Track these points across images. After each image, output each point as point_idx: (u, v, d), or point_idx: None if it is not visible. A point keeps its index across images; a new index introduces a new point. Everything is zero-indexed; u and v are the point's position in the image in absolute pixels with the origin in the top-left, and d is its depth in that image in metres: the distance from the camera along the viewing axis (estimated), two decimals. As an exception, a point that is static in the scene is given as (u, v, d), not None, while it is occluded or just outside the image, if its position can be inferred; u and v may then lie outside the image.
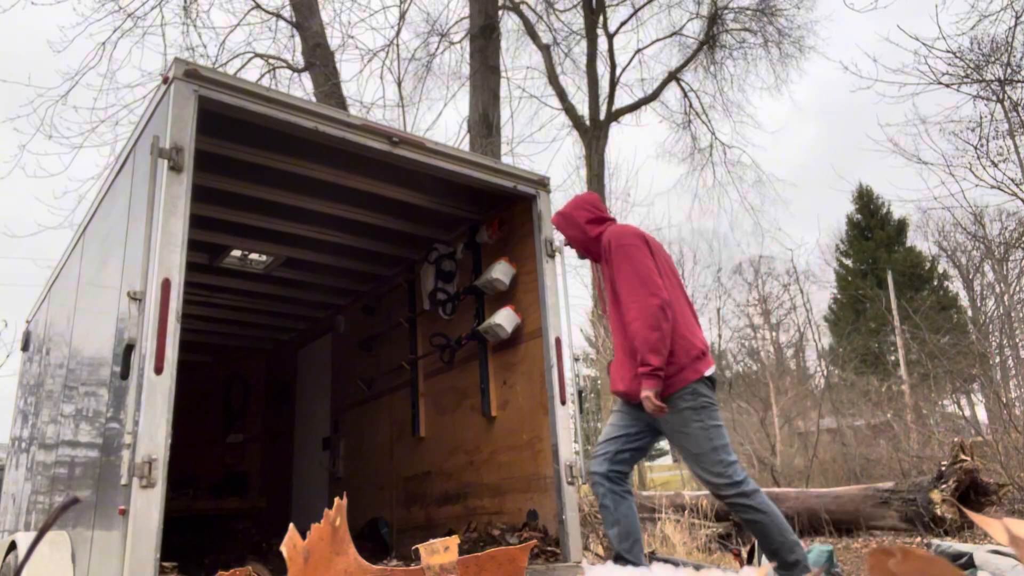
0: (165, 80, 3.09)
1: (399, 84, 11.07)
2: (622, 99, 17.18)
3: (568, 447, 3.92)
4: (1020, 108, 10.05)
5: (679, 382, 2.94)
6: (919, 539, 5.69)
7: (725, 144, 17.40)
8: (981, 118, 10.03)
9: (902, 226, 30.75)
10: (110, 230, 3.67)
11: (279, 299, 6.45)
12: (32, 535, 4.40)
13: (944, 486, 5.82)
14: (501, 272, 4.41)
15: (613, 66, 15.98)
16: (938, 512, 5.72)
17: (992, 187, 10.33)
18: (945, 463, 6.05)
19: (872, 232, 31.08)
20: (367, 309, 6.04)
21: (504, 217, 4.64)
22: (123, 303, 2.95)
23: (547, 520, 4.00)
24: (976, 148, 10.19)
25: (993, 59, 9.46)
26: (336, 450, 6.29)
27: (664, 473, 24.69)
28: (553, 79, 15.85)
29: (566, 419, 3.97)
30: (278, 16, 10.56)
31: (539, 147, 35.15)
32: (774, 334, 28.17)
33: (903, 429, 10.91)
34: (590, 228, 3.35)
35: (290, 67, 10.57)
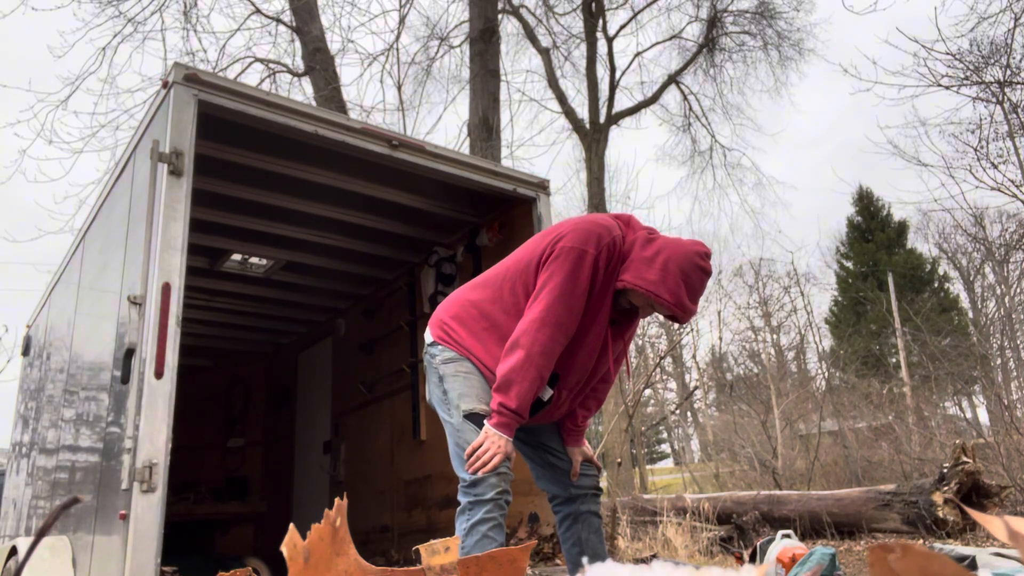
0: (165, 85, 3.10)
1: (399, 88, 11.10)
2: (622, 102, 17.22)
3: (569, 450, 3.92)
4: (1020, 110, 10.06)
5: None
6: (921, 541, 5.67)
7: (725, 147, 17.42)
8: (981, 120, 10.04)
9: (902, 228, 30.78)
10: (110, 234, 3.68)
11: (279, 303, 6.45)
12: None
13: (946, 488, 5.81)
14: (501, 275, 4.41)
15: (613, 69, 16.00)
16: (940, 514, 5.70)
17: (992, 189, 10.33)
18: (947, 465, 6.04)
19: (872, 234, 31.11)
20: (367, 312, 6.04)
21: (504, 220, 4.65)
22: (123, 307, 2.95)
23: (548, 523, 4.00)
24: (976, 150, 10.20)
25: (992, 61, 9.47)
26: (337, 454, 6.28)
27: (665, 476, 24.67)
28: (553, 82, 15.87)
29: (567, 422, 3.97)
30: (278, 21, 10.59)
31: (539, 150, 35.26)
32: (775, 336, 28.19)
33: (904, 431, 10.89)
34: None
35: (290, 71, 10.60)
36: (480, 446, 2.18)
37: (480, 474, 2.16)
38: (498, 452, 2.16)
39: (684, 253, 2.24)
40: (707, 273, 2.28)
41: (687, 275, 2.22)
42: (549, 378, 2.29)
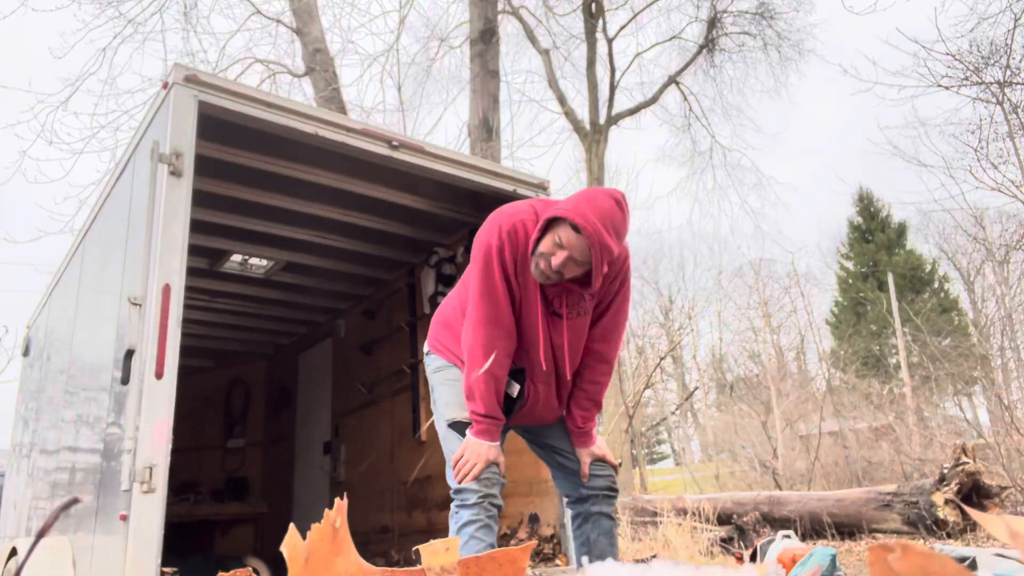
0: (165, 85, 3.10)
1: (399, 89, 11.12)
2: (622, 103, 17.20)
3: (569, 450, 3.92)
4: (1020, 110, 10.06)
5: None
6: (921, 542, 5.67)
7: (725, 147, 17.41)
8: (981, 120, 10.04)
9: (903, 229, 30.77)
10: (110, 235, 3.68)
11: (280, 303, 6.45)
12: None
13: (946, 489, 5.81)
14: (501, 276, 4.41)
15: (613, 70, 16.00)
16: (940, 515, 5.70)
17: (992, 189, 10.34)
18: (947, 466, 6.04)
19: (873, 235, 31.10)
20: (367, 313, 6.04)
21: (504, 221, 4.64)
22: (124, 308, 2.95)
23: (548, 523, 4.00)
24: (976, 150, 10.21)
25: (992, 61, 9.48)
26: (337, 454, 6.28)
27: (666, 476, 24.67)
28: (553, 83, 15.88)
29: (567, 422, 3.97)
30: (278, 22, 10.60)
31: (539, 151, 35.24)
32: (775, 337, 28.20)
33: (905, 432, 10.90)
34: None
35: (290, 72, 10.60)
36: (461, 456, 2.24)
37: (463, 483, 2.22)
38: (478, 461, 2.21)
39: (588, 189, 2.22)
40: (616, 200, 2.14)
41: (592, 197, 2.13)
42: (513, 373, 2.30)
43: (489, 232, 2.24)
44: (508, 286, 2.23)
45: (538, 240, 2.18)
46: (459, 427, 2.30)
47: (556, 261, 2.13)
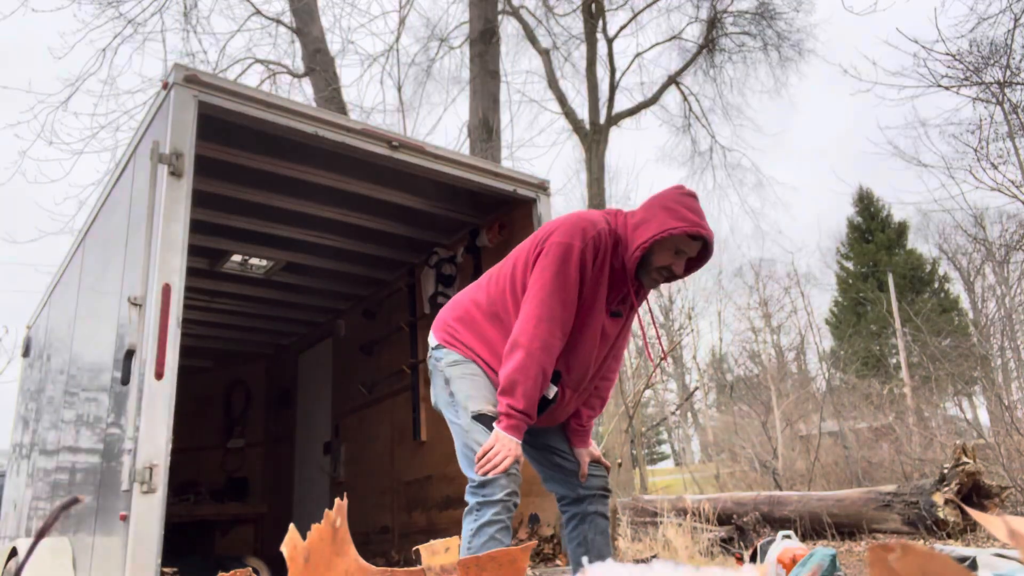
0: (165, 86, 3.10)
1: (399, 89, 11.12)
2: (622, 103, 17.24)
3: (569, 451, 3.91)
4: (1020, 110, 10.05)
5: None
6: (922, 542, 5.67)
7: (725, 147, 17.41)
8: (981, 120, 10.02)
9: (903, 229, 30.76)
10: (110, 236, 3.68)
11: (280, 304, 6.45)
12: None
13: (946, 489, 5.81)
14: (501, 276, 4.41)
15: (613, 70, 16.00)
16: (940, 515, 5.70)
17: (992, 189, 10.31)
18: (947, 466, 6.04)
19: (873, 235, 31.10)
20: (368, 313, 6.04)
21: (504, 221, 4.65)
22: (124, 308, 2.95)
23: (548, 523, 4.00)
24: (976, 150, 10.19)
25: (992, 61, 9.47)
26: (337, 455, 6.28)
27: (666, 477, 24.66)
28: (553, 83, 15.88)
29: (567, 422, 3.96)
30: (278, 22, 10.61)
31: (539, 151, 35.34)
32: (775, 337, 28.21)
33: (905, 432, 10.89)
34: None
35: (290, 72, 10.61)
36: (491, 448, 2.18)
37: (491, 475, 2.16)
38: (508, 455, 2.16)
39: (664, 193, 2.36)
40: (693, 196, 2.36)
41: (680, 202, 2.30)
42: (552, 376, 2.29)
43: (571, 234, 2.27)
44: (580, 289, 2.26)
45: (643, 257, 2.29)
46: (485, 420, 2.26)
47: (679, 268, 2.32)
